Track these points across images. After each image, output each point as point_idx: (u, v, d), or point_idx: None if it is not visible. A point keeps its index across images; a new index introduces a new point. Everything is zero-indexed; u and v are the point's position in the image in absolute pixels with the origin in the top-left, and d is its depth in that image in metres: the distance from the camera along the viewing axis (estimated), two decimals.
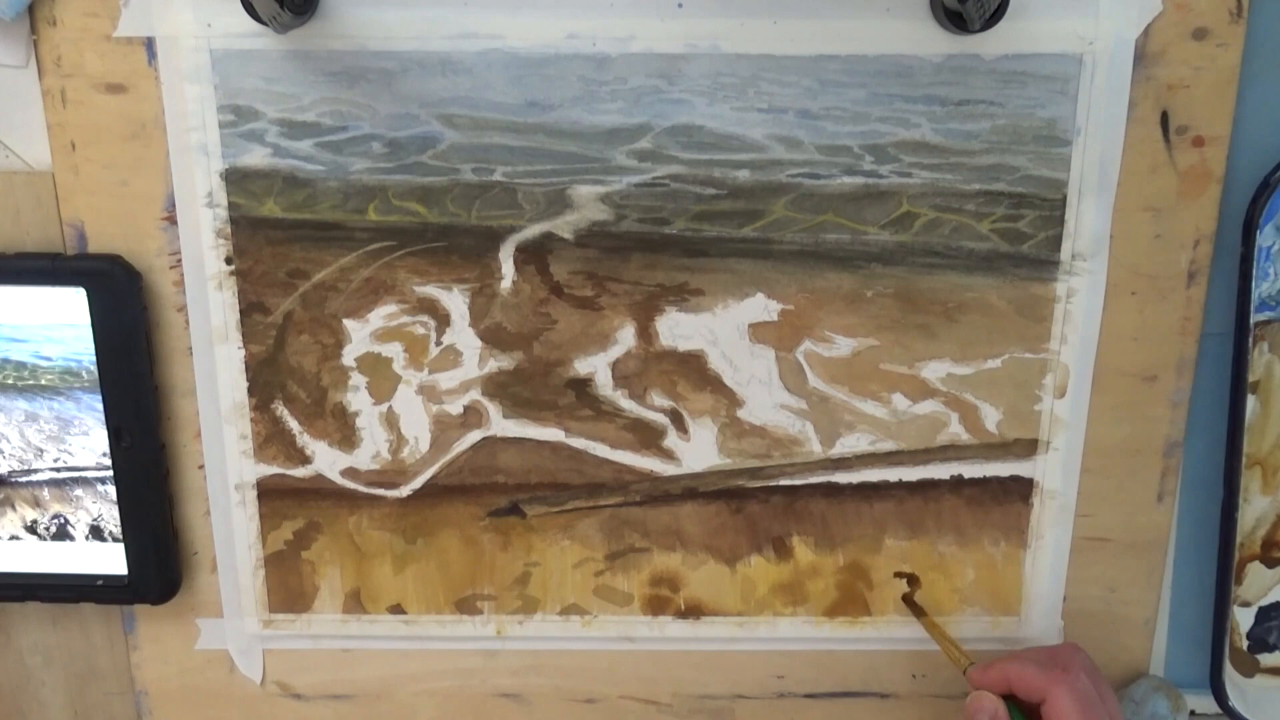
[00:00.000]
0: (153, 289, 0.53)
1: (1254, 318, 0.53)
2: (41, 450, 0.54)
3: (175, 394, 0.54)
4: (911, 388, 0.55)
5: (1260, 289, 0.53)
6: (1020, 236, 0.52)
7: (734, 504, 0.57)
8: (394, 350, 0.54)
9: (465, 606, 0.58)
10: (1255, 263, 0.52)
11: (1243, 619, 0.58)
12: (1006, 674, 0.51)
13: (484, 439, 0.56)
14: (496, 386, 0.55)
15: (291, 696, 0.60)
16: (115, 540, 0.56)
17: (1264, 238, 0.52)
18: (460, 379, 0.55)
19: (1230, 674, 0.59)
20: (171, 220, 0.52)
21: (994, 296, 0.53)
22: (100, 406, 0.53)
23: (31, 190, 0.52)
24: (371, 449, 0.56)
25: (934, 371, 0.55)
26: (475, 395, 0.55)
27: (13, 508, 0.55)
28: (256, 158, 0.51)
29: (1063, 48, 0.50)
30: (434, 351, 0.54)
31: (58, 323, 0.52)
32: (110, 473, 0.54)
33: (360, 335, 0.54)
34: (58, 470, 0.55)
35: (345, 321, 0.54)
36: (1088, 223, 0.52)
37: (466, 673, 0.60)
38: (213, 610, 0.58)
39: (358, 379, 0.55)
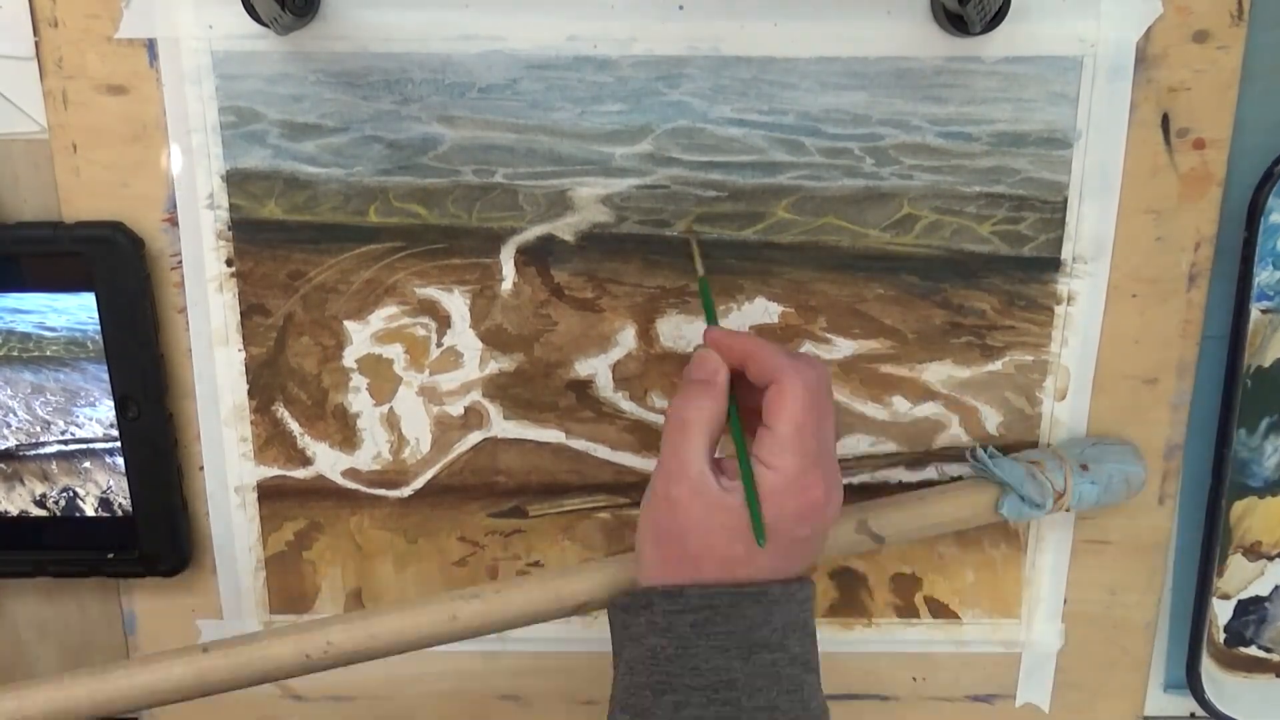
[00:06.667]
0: (153, 291, 0.53)
1: (1254, 306, 0.53)
2: (49, 423, 0.54)
3: (176, 396, 0.54)
4: (912, 390, 0.55)
5: (1260, 277, 0.53)
6: (1021, 239, 0.52)
7: None
8: (395, 352, 0.54)
9: None
10: (1256, 260, 0.52)
11: (1221, 612, 0.58)
12: (746, 347, 0.45)
13: (485, 440, 0.56)
14: (497, 388, 0.55)
15: (292, 698, 0.60)
16: (125, 513, 0.55)
17: (1266, 236, 0.52)
18: (461, 380, 0.55)
19: (1208, 668, 0.59)
20: (172, 222, 0.52)
21: (995, 299, 0.53)
22: (106, 377, 0.53)
23: (35, 188, 0.52)
24: (373, 450, 0.56)
25: (934, 374, 0.55)
26: (476, 396, 0.55)
27: (21, 481, 0.55)
28: (257, 159, 0.51)
29: (1064, 50, 0.49)
30: (435, 353, 0.54)
31: (61, 293, 0.52)
32: (118, 444, 0.54)
33: (361, 337, 0.54)
34: (65, 443, 0.54)
35: (346, 323, 0.54)
36: (1089, 225, 0.52)
37: (467, 674, 0.60)
38: (213, 611, 0.58)
39: (359, 380, 0.55)
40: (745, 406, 0.45)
